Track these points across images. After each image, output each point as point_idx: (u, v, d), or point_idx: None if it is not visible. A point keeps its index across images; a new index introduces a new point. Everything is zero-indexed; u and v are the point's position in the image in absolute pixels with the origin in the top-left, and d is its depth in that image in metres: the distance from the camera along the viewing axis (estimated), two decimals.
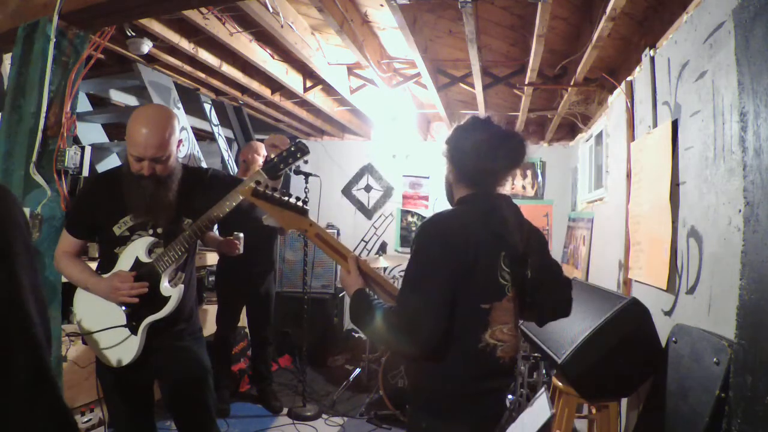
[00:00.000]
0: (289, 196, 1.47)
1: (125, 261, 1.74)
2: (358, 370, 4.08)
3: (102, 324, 1.71)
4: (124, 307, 1.72)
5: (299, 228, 1.48)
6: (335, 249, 1.47)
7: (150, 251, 1.74)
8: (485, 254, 1.31)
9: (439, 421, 1.33)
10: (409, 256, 1.38)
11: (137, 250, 1.73)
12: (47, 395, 0.82)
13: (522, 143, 1.41)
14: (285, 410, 3.52)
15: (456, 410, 1.33)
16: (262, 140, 3.34)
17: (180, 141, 1.76)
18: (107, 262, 1.77)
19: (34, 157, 1.96)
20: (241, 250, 3.00)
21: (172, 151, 1.72)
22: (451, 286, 1.26)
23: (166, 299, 1.72)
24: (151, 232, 1.76)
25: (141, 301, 1.70)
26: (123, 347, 1.72)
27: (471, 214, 1.35)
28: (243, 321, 3.75)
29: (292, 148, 1.78)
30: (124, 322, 1.72)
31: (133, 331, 1.72)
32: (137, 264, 1.73)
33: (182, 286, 1.76)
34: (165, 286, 1.73)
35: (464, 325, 1.29)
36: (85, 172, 2.18)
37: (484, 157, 1.38)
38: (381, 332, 1.29)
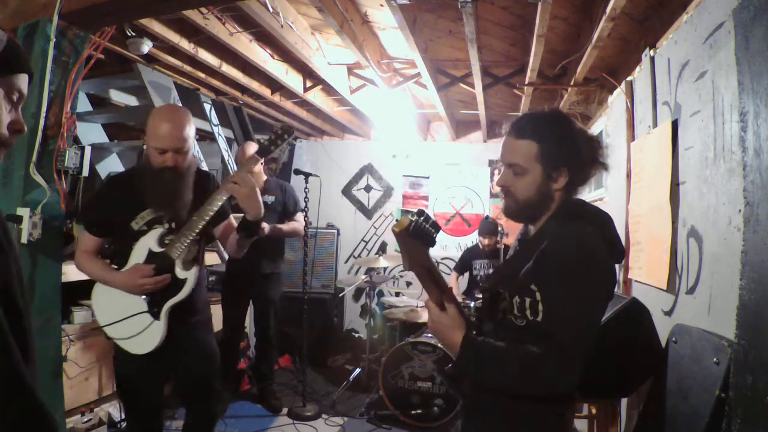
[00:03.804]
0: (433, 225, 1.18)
1: (138, 254, 1.83)
2: (358, 370, 4.09)
3: (123, 314, 1.79)
4: (144, 296, 1.81)
5: (420, 263, 1.18)
6: (436, 281, 1.21)
7: (161, 242, 1.84)
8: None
9: None
10: None
11: (149, 242, 1.84)
12: (19, 403, 0.78)
13: None
14: (285, 410, 3.52)
15: (549, 425, 1.25)
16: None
17: (195, 138, 1.91)
18: (122, 256, 1.86)
19: (34, 157, 1.96)
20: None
21: (190, 145, 1.85)
22: (604, 311, 1.20)
23: (184, 281, 1.83)
24: (166, 226, 1.86)
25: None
26: (148, 333, 1.80)
27: (596, 229, 1.23)
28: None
29: (279, 131, 1.93)
30: (146, 309, 1.80)
31: (156, 316, 1.81)
32: (150, 255, 1.82)
33: (197, 267, 1.86)
34: (179, 270, 1.83)
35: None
36: (85, 172, 2.18)
37: (597, 155, 1.31)
38: (519, 373, 1.13)
